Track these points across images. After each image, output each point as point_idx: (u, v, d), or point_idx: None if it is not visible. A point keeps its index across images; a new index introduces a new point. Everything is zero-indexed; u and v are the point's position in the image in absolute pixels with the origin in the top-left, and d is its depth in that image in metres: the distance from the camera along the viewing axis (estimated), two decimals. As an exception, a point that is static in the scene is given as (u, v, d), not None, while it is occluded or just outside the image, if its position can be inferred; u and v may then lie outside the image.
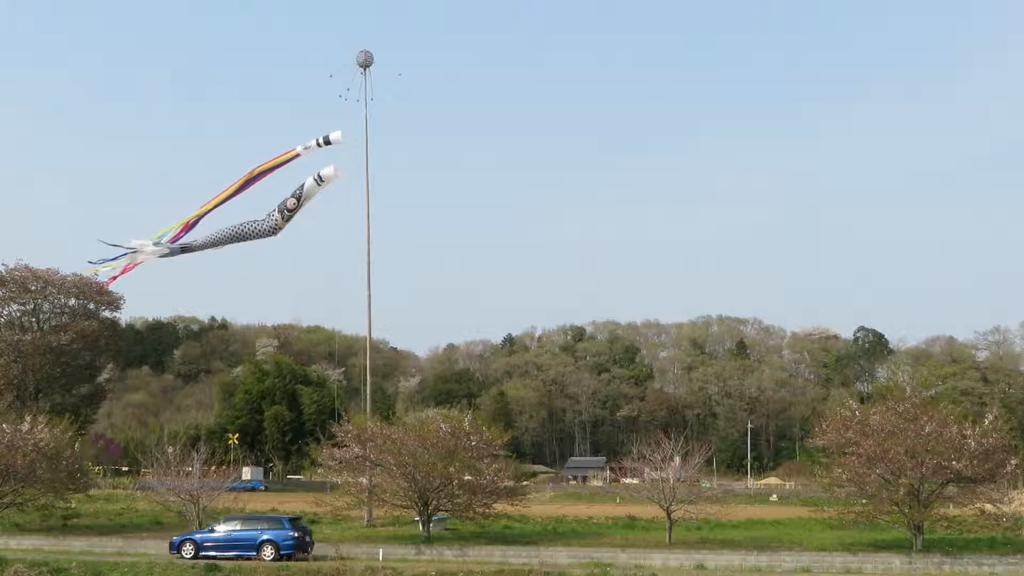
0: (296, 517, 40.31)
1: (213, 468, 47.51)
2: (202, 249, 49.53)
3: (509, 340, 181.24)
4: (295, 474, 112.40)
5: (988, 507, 39.84)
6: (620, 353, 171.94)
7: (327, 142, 49.75)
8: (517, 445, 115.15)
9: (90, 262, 48.38)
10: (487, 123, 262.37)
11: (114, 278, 49.96)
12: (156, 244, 48.01)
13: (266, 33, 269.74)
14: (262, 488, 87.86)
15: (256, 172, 50.21)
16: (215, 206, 49.99)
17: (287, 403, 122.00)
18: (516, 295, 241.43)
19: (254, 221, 48.75)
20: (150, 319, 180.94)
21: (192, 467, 45.89)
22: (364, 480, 44.24)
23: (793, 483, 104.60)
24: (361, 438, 43.06)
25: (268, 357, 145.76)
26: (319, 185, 49.30)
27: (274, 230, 48.93)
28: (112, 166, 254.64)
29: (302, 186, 48.59)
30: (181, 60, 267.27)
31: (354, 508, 45.50)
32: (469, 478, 41.84)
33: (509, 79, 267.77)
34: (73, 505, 53.14)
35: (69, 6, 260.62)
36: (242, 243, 49.39)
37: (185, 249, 49.17)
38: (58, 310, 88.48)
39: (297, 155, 49.95)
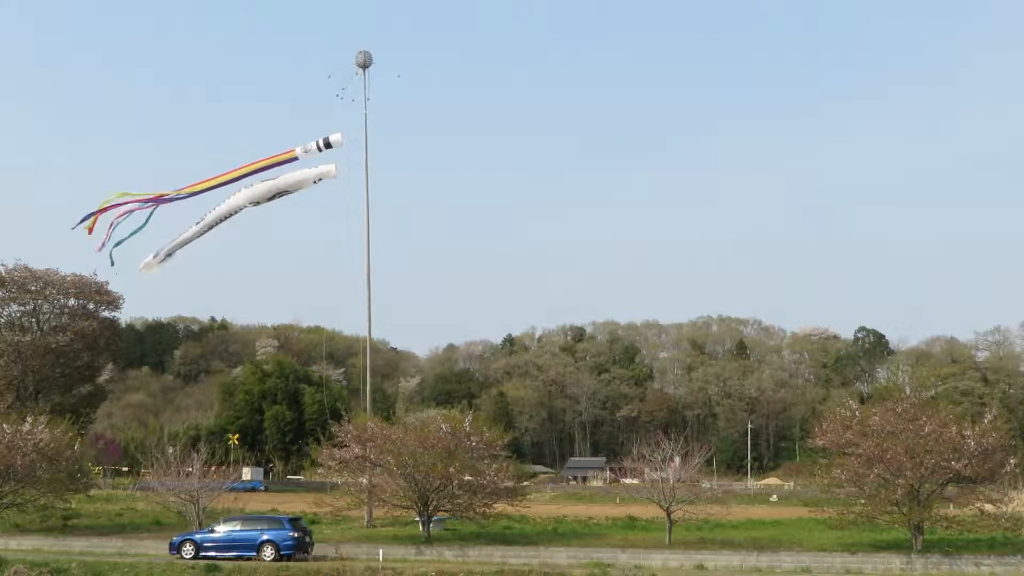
0: (296, 517, 40.32)
1: (213, 468, 47.48)
2: (194, 239, 50.56)
3: (509, 340, 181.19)
4: (295, 474, 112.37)
5: (988, 507, 39.83)
6: (620, 353, 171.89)
7: (327, 145, 50.04)
8: (517, 445, 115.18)
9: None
10: (487, 123, 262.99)
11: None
12: (156, 257, 49.67)
13: (266, 33, 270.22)
14: (262, 488, 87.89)
15: (252, 168, 50.46)
16: (203, 190, 50.48)
17: (288, 403, 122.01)
18: (516, 295, 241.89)
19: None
20: (150, 319, 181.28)
21: (192, 467, 45.87)
22: (364, 480, 44.21)
23: (793, 483, 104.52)
24: (361, 438, 43.04)
25: (269, 357, 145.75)
26: (315, 183, 49.68)
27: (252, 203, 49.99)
28: (112, 166, 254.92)
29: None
30: (181, 60, 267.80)
31: (354, 508, 45.46)
32: (469, 478, 41.80)
33: (509, 79, 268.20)
34: (73, 505, 53.12)
35: (69, 6, 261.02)
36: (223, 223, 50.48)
37: (180, 245, 50.46)
38: (57, 310, 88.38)
39: (296, 158, 50.21)
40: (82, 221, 50.19)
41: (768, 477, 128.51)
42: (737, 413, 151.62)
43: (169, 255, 51.11)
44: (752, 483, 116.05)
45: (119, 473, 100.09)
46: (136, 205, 50.52)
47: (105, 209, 50.17)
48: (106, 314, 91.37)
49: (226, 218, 50.26)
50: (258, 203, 50.04)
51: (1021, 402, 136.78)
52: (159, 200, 50.67)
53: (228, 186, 50.87)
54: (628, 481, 59.57)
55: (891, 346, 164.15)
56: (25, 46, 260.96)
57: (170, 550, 37.60)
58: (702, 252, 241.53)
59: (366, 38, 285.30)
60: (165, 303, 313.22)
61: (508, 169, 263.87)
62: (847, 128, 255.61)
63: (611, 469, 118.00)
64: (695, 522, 42.75)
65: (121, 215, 50.25)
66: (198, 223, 50.68)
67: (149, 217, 50.98)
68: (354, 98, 52.52)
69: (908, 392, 43.64)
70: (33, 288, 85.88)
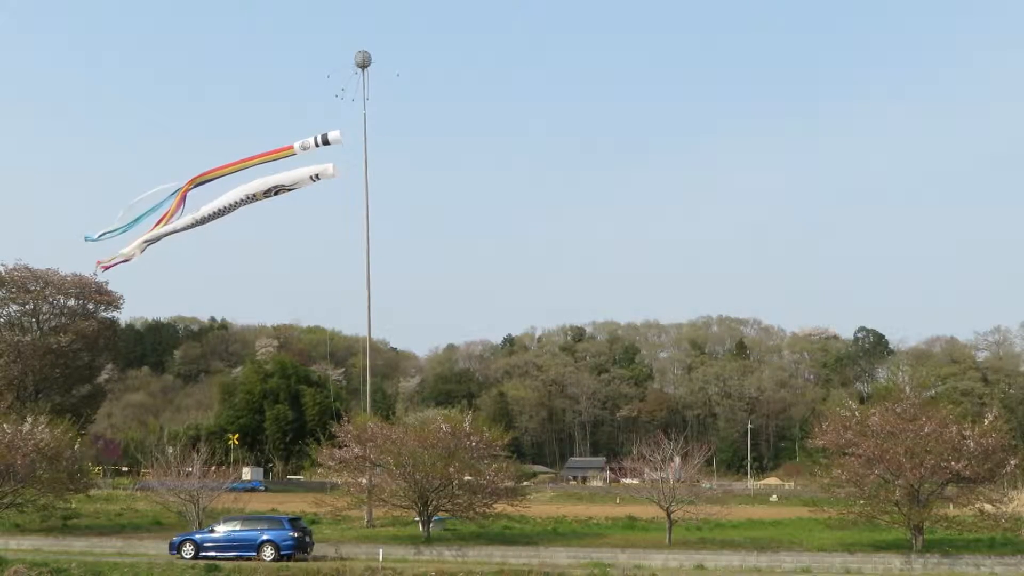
0: (296, 517, 40.33)
1: (213, 468, 47.47)
2: (185, 229, 50.46)
3: (509, 340, 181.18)
4: (295, 474, 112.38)
5: (988, 507, 39.82)
6: (620, 353, 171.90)
7: (325, 142, 49.89)
8: (517, 445, 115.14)
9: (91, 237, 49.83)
10: (487, 123, 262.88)
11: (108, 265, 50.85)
12: (144, 240, 49.49)
13: (266, 33, 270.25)
14: (262, 488, 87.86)
15: (249, 162, 50.39)
16: (201, 183, 50.41)
17: (289, 403, 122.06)
18: (516, 295, 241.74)
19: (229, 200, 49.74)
20: (150, 319, 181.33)
21: (192, 467, 45.86)
22: (364, 480, 44.21)
23: (793, 483, 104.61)
24: (361, 438, 43.03)
25: (270, 357, 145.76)
26: (313, 180, 49.63)
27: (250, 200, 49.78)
28: (112, 166, 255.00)
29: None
30: (181, 60, 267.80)
31: (354, 508, 45.49)
32: (469, 478, 41.82)
33: (509, 79, 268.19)
34: (73, 505, 53.14)
35: (69, 6, 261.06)
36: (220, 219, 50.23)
37: (168, 234, 50.39)
38: (57, 310, 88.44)
39: (293, 154, 50.11)
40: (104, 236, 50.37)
41: (768, 477, 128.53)
42: (737, 413, 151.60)
43: (154, 241, 50.95)
44: (752, 483, 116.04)
45: (119, 473, 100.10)
46: (153, 230, 50.61)
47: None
48: (106, 314, 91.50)
49: (221, 214, 50.12)
50: (255, 198, 49.88)
51: (1021, 402, 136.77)
52: (169, 217, 50.65)
53: (222, 181, 50.89)
54: (628, 481, 59.58)
55: (891, 346, 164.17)
56: (25, 46, 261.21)
57: (170, 550, 37.60)
58: (702, 252, 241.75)
59: (366, 38, 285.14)
60: (165, 303, 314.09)
61: (508, 169, 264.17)
62: (847, 128, 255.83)
63: (611, 469, 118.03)
64: (695, 522, 42.75)
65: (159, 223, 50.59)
66: (192, 215, 50.60)
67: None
68: (353, 98, 52.61)
69: (908, 392, 43.49)
70: (33, 288, 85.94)
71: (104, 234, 50.19)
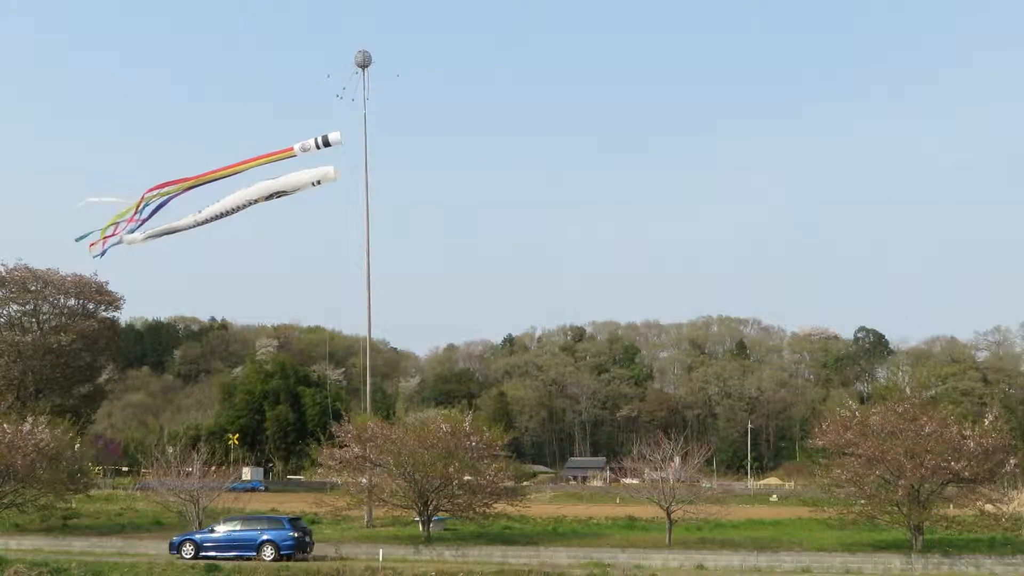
0: (296, 517, 40.35)
1: (213, 468, 47.48)
2: (187, 228, 50.56)
3: (509, 340, 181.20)
4: (295, 474, 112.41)
5: (988, 507, 39.85)
6: (620, 353, 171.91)
7: (326, 143, 49.90)
8: (517, 445, 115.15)
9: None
10: (487, 123, 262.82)
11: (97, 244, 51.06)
12: (142, 232, 49.73)
13: (265, 33, 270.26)
14: (262, 488, 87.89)
15: (250, 164, 50.44)
16: (200, 183, 50.48)
17: (290, 403, 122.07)
18: (516, 295, 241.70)
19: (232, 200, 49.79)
20: (150, 319, 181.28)
21: (192, 467, 45.87)
22: (364, 480, 44.22)
23: (793, 483, 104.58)
24: (361, 438, 43.04)
25: (271, 358, 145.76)
26: (314, 186, 49.65)
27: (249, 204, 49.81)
28: (112, 166, 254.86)
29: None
30: (180, 60, 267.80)
31: (354, 508, 45.50)
32: (469, 478, 41.83)
33: (509, 79, 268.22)
34: (73, 505, 53.16)
35: (69, 6, 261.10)
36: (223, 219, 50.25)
37: (170, 231, 50.51)
38: (57, 310, 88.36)
39: (294, 155, 50.15)
40: (85, 236, 50.45)
41: (768, 477, 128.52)
42: (737, 413, 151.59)
43: (156, 236, 51.12)
44: (752, 483, 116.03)
45: (119, 473, 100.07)
46: (140, 216, 50.62)
47: (115, 221, 50.46)
48: (106, 314, 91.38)
49: (223, 215, 50.19)
50: (255, 202, 49.95)
51: (1021, 402, 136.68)
52: (160, 205, 50.72)
53: (224, 183, 50.98)
54: (628, 481, 59.55)
55: (891, 346, 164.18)
56: (25, 46, 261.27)
57: (170, 550, 37.61)
58: (702, 252, 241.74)
59: (366, 38, 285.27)
60: (165, 303, 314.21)
61: (508, 169, 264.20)
62: (847, 128, 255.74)
63: (611, 469, 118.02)
64: (695, 522, 42.75)
65: (129, 222, 50.53)
66: (195, 215, 50.70)
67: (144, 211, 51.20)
68: (353, 98, 52.67)
69: (908, 392, 43.54)
70: (33, 288, 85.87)
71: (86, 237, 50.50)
